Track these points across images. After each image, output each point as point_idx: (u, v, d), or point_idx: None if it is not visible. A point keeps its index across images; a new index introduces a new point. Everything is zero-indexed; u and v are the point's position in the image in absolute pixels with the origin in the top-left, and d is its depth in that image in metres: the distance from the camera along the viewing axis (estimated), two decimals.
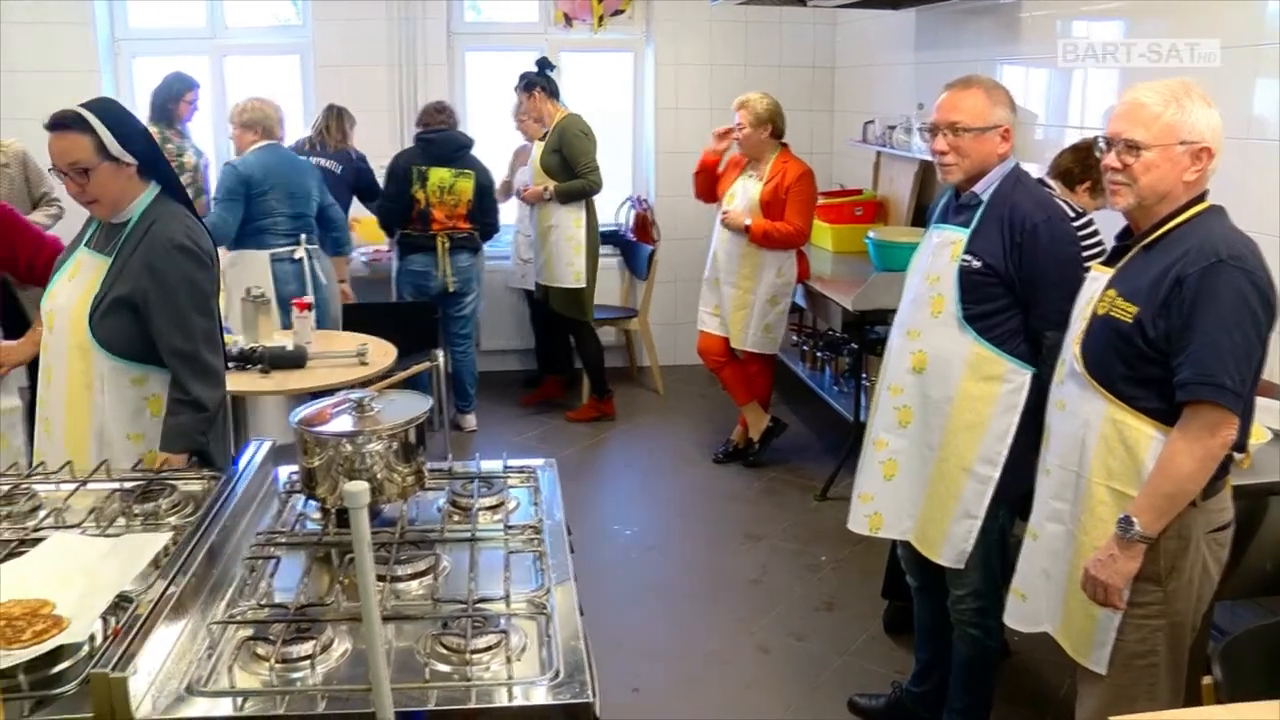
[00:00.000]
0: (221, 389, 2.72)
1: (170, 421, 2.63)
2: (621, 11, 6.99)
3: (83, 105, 2.56)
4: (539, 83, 5.86)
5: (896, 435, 2.94)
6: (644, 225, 6.93)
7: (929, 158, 5.24)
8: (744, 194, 5.20)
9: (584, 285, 5.96)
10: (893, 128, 5.84)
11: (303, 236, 5.10)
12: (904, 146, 5.73)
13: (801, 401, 6.27)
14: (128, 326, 2.60)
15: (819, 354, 5.92)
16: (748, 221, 5.10)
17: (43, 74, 6.16)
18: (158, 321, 2.59)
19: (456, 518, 2.15)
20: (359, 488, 1.20)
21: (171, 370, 2.63)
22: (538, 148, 5.93)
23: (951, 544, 2.81)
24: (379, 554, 1.86)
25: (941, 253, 2.81)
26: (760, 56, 6.94)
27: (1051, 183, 3.46)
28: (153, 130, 5.63)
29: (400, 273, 5.77)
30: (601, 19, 6.95)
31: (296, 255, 5.07)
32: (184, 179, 5.72)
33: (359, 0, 6.48)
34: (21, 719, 1.48)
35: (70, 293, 2.65)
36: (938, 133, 2.78)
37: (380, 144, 6.52)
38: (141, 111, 5.94)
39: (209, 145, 6.44)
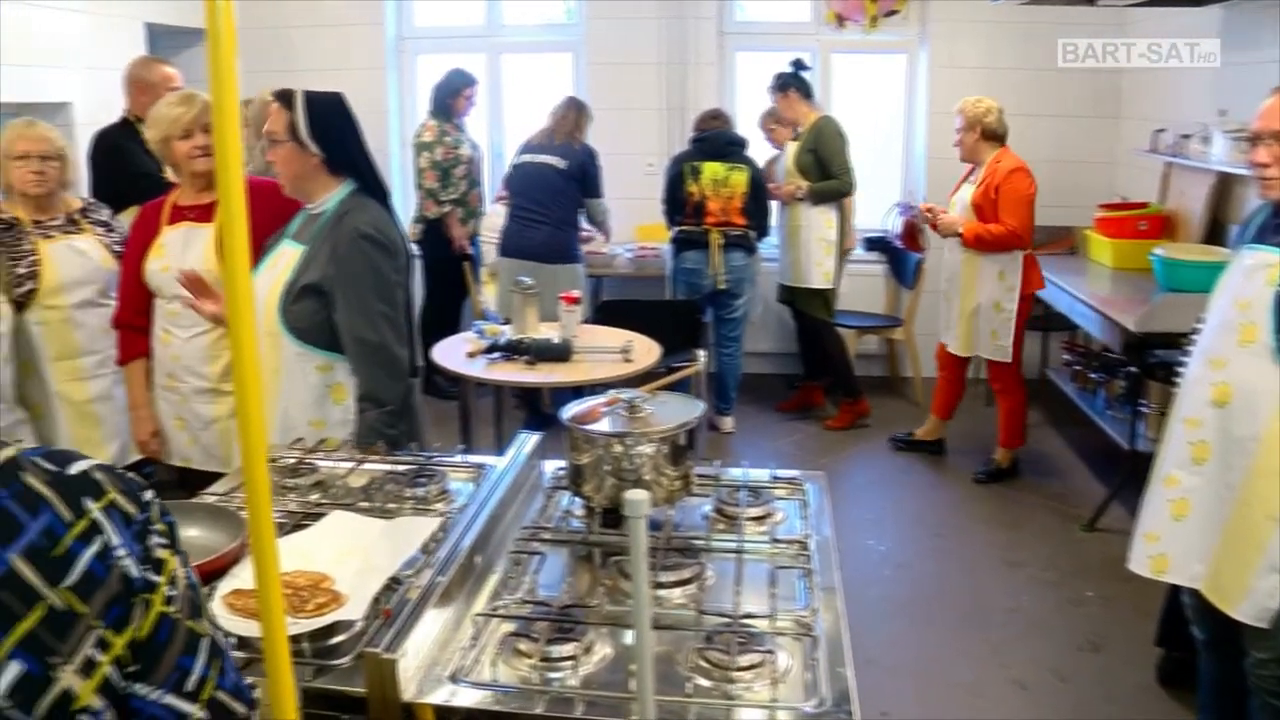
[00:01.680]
0: (403, 381, 2.73)
1: (359, 420, 2.68)
2: (896, 12, 6.79)
3: (314, 92, 2.69)
4: (793, 83, 5.80)
5: (1190, 472, 2.68)
6: (912, 233, 6.69)
7: (1229, 169, 4.87)
8: (960, 199, 5.12)
9: (832, 286, 5.89)
10: (1187, 137, 5.40)
11: None
12: (1200, 157, 5.28)
13: (1069, 423, 5.91)
14: (314, 313, 2.67)
15: (1092, 374, 5.56)
16: (960, 229, 5.01)
17: (337, 71, 6.55)
18: (342, 309, 2.64)
19: (722, 526, 2.09)
20: (640, 496, 1.16)
21: (352, 360, 2.68)
22: (791, 148, 5.87)
23: (1253, 600, 2.53)
24: None
25: (1255, 276, 2.54)
26: (1041, 59, 6.56)
27: None
28: (431, 124, 5.92)
29: (675, 271, 5.81)
30: (875, 19, 6.77)
31: None
32: (458, 171, 5.96)
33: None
34: (305, 682, 1.55)
35: (267, 280, 2.75)
36: (1259, 142, 2.52)
37: (649, 142, 6.60)
38: (423, 105, 6.24)
39: (484, 139, 6.68)
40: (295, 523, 2.07)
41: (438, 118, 5.99)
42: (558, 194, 5.56)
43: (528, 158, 5.63)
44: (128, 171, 4.14)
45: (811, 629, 1.68)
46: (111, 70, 4.93)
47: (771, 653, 1.60)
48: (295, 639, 1.60)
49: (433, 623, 1.67)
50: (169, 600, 0.92)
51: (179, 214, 3.18)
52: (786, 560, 1.93)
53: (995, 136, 5.03)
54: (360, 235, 2.64)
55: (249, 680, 1.04)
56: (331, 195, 2.73)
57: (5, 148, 3.25)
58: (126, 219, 3.58)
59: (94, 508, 0.89)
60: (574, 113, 5.62)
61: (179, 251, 3.13)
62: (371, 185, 2.78)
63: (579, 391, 4.03)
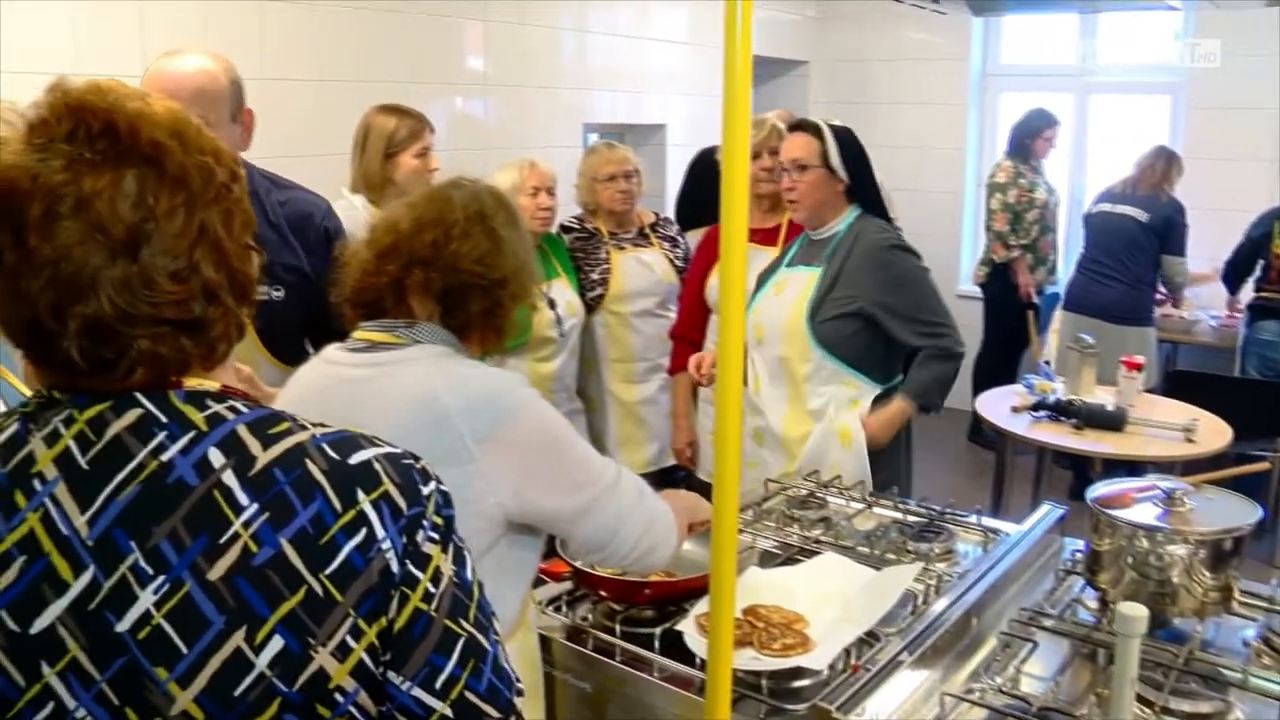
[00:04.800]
0: (962, 350, 2.79)
1: (917, 373, 2.76)
2: None
3: (832, 124, 2.82)
4: None
5: None
6: None
7: None
8: None
9: None
10: None
11: None
12: None
13: None
14: (845, 329, 2.72)
15: None
16: None
17: (915, 105, 6.56)
18: (896, 317, 2.71)
19: (1267, 661, 1.74)
20: (1136, 613, 0.97)
21: (923, 345, 2.76)
22: None
23: None
24: (1153, 675, 1.57)
25: None
26: None
27: None
28: (1007, 164, 5.70)
29: (1247, 341, 5.10)
30: None
31: None
32: (1030, 215, 5.69)
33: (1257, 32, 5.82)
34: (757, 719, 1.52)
35: (779, 306, 2.83)
36: None
37: (1253, 199, 5.83)
38: (1001, 145, 6.03)
39: (1063, 184, 6.32)
40: (789, 556, 2.07)
41: (1014, 158, 5.75)
42: (1136, 249, 5.10)
43: (1105, 207, 5.23)
44: (710, 192, 4.38)
45: None
46: (703, 96, 5.30)
47: None
48: (755, 674, 1.58)
49: (900, 688, 1.58)
50: (428, 597, 0.93)
51: None
52: None
53: None
54: (890, 246, 2.76)
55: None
56: (842, 219, 2.81)
57: (594, 170, 3.60)
58: (696, 237, 3.79)
59: (364, 500, 0.92)
60: (1163, 162, 5.11)
61: None
62: (877, 209, 2.86)
63: (1133, 467, 3.66)
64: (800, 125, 2.85)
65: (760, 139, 3.21)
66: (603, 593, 1.81)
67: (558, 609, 1.85)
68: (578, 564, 1.79)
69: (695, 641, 1.64)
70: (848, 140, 2.81)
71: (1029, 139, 5.73)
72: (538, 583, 1.90)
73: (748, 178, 1.13)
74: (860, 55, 6.77)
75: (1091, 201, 5.40)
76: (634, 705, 1.64)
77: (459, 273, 1.54)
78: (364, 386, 1.51)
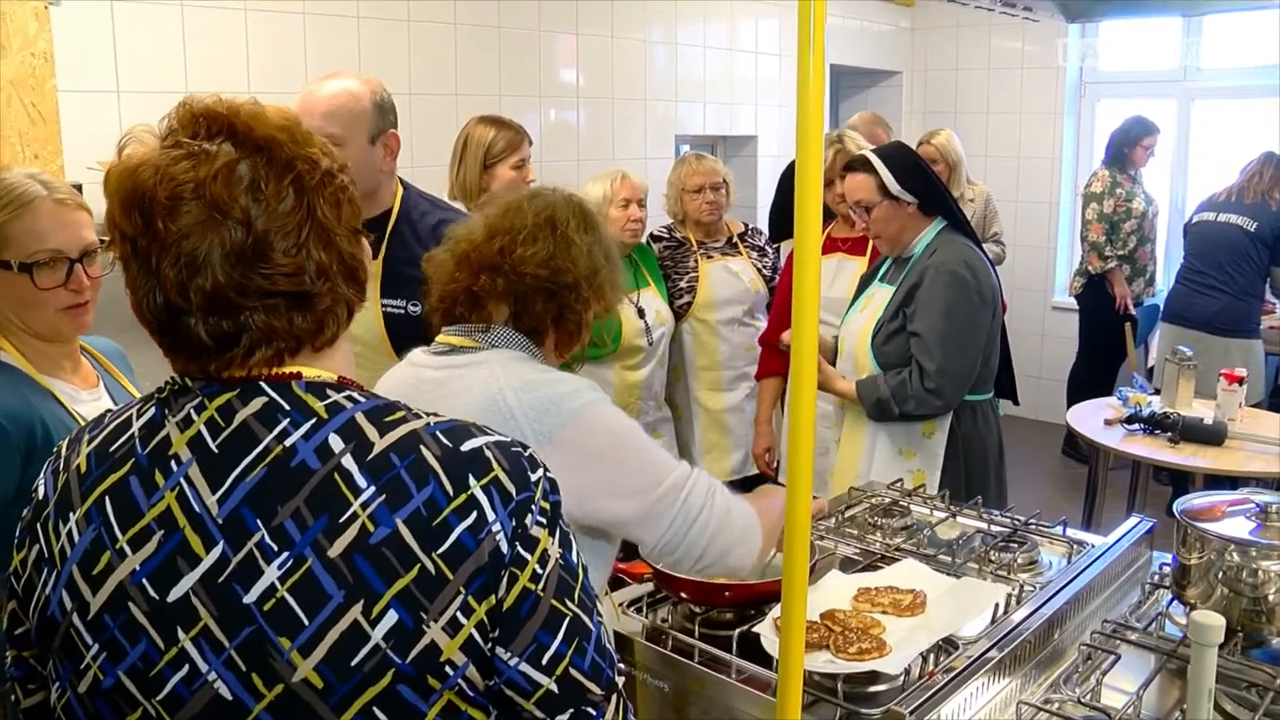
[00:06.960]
0: (939, 405, 2.70)
1: (886, 378, 2.71)
2: None
3: (880, 147, 2.80)
4: None
5: None
6: None
7: None
8: None
9: None
10: None
11: None
12: None
13: None
14: (906, 350, 2.71)
15: None
16: None
17: (1009, 115, 6.48)
18: (916, 334, 2.67)
19: None
20: (1211, 621, 0.97)
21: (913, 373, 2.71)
22: None
23: None
24: (1247, 694, 1.53)
25: None
26: None
27: None
28: (1104, 173, 5.58)
29: None
30: None
31: None
32: (1127, 226, 5.57)
33: None
34: None
35: (860, 320, 2.85)
36: None
37: None
38: (1099, 154, 5.92)
39: (1163, 192, 6.17)
40: (869, 562, 2.07)
41: (1111, 168, 5.64)
42: (1241, 259, 4.95)
43: (1208, 216, 5.09)
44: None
45: None
46: (794, 108, 5.30)
47: None
48: (831, 677, 1.59)
49: (976, 696, 1.57)
50: (535, 578, 0.97)
51: (832, 245, 3.36)
52: None
53: None
54: (947, 270, 2.68)
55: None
56: (921, 238, 2.78)
57: (682, 181, 3.64)
58: (789, 248, 3.80)
59: (475, 485, 0.97)
60: (1271, 169, 4.94)
61: (828, 280, 3.30)
62: (958, 220, 2.81)
63: (1236, 484, 3.56)
64: (851, 166, 2.83)
65: (827, 167, 3.18)
66: (683, 595, 1.83)
67: (639, 610, 1.88)
68: (658, 566, 1.81)
69: (771, 643, 1.65)
70: (900, 160, 2.77)
71: (1127, 147, 5.61)
72: (619, 584, 1.94)
73: (821, 186, 1.14)
74: (954, 64, 6.72)
75: (1193, 211, 5.27)
76: (711, 705, 1.66)
77: (523, 277, 1.59)
78: (441, 388, 1.57)
